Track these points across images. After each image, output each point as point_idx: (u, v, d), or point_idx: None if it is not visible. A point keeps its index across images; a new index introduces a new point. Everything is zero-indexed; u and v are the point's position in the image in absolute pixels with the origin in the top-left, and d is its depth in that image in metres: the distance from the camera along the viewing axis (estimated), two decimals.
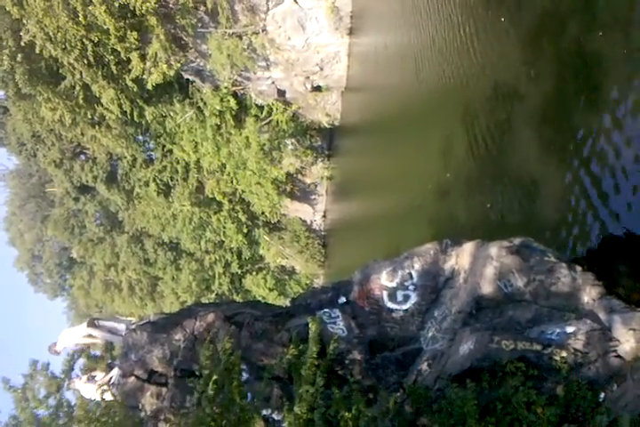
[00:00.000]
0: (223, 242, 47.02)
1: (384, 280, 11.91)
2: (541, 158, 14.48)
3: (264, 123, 37.92)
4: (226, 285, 49.49)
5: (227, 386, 8.80)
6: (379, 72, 30.71)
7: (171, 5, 30.76)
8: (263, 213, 43.57)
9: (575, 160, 12.73)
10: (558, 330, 9.19)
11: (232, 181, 42.21)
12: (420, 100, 23.56)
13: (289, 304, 13.57)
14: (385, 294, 11.82)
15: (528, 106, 14.94)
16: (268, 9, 32.40)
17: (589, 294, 9.58)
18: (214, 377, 8.68)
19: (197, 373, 10.57)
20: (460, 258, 11.51)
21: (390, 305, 11.79)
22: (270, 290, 46.89)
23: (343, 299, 12.36)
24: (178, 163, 44.20)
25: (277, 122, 37.83)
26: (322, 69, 35.22)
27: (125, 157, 44.96)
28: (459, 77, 19.18)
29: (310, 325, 10.21)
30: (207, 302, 43.60)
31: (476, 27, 17.73)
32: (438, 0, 20.66)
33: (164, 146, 43.90)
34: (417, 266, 11.78)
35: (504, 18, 15.97)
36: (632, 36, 11.14)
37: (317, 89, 36.82)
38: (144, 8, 29.01)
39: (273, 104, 37.66)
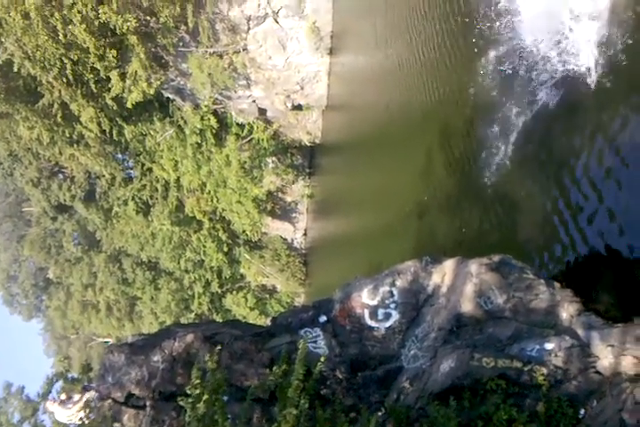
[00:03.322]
0: (203, 261, 46.63)
1: (365, 298, 11.91)
2: (520, 177, 14.65)
3: (245, 141, 37.91)
4: (206, 304, 48.96)
5: (211, 407, 8.68)
6: (359, 91, 31.00)
7: (152, 24, 30.77)
8: (244, 231, 43.33)
9: (553, 180, 12.90)
10: (538, 347, 9.22)
11: (212, 200, 42.01)
12: (400, 118, 23.77)
13: (269, 323, 13.47)
14: (366, 312, 11.83)
15: (507, 127, 15.13)
16: (249, 29, 32.59)
17: (568, 311, 9.66)
18: (205, 397, 8.59)
19: (178, 394, 10.38)
20: (441, 275, 11.56)
21: (371, 323, 11.79)
22: (251, 309, 46.48)
23: (324, 318, 12.32)
24: (157, 181, 43.91)
25: (258, 140, 37.84)
26: (302, 88, 35.40)
27: (104, 176, 44.54)
28: (437, 96, 19.42)
29: (300, 346, 10.08)
30: (186, 322, 43.04)
31: (454, 47, 18.01)
32: (415, 22, 20.96)
33: (143, 164, 43.64)
34: (398, 283, 11.81)
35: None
36: None
37: (298, 108, 36.97)
38: (125, 27, 28.98)
39: (254, 122, 37.70)
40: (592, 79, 11.85)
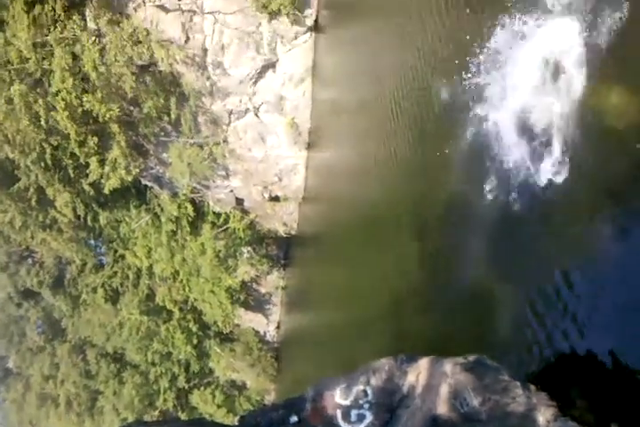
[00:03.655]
0: (171, 353, 45.01)
1: (338, 398, 11.53)
2: (494, 276, 14.58)
3: (220, 230, 37.87)
4: (171, 400, 46.68)
5: None
6: (335, 185, 31.56)
7: (134, 114, 31.55)
8: (215, 322, 42.28)
9: (528, 279, 12.87)
10: None
11: (184, 289, 41.23)
12: (376, 213, 24.06)
13: (237, 423, 12.92)
14: (339, 412, 11.42)
15: (482, 225, 15.23)
16: (230, 122, 33.56)
17: (544, 415, 9.51)
18: None
19: None
20: (416, 374, 11.22)
21: (344, 425, 11.29)
22: (218, 407, 44.51)
23: (295, 418, 11.79)
24: (129, 268, 43.18)
25: (234, 230, 37.85)
26: (280, 180, 35.97)
27: (75, 262, 43.76)
28: (411, 194, 19.76)
29: None
30: (150, 420, 40.74)
31: (424, 149, 18.62)
32: (387, 124, 21.77)
33: (116, 251, 43.08)
34: (372, 382, 11.48)
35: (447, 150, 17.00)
36: None
37: (275, 199, 37.38)
38: (108, 116, 29.65)
39: (230, 212, 37.89)
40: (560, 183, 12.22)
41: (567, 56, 12.23)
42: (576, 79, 12.07)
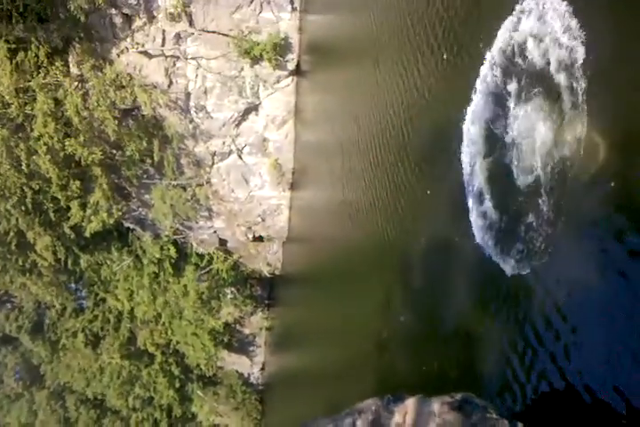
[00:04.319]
0: (153, 398, 43.88)
1: None
2: (479, 315, 14.62)
3: (204, 271, 37.64)
4: None
5: None
6: (318, 224, 31.70)
7: (117, 157, 31.69)
8: (198, 365, 41.54)
9: (513, 318, 12.92)
10: None
11: (167, 332, 40.58)
12: (359, 253, 24.17)
13: None
14: None
15: (465, 265, 15.37)
16: (213, 163, 33.84)
17: None
18: None
19: None
20: (403, 414, 11.05)
21: None
22: None
23: None
24: (110, 312, 42.45)
25: (217, 271, 37.64)
26: (264, 220, 36.09)
27: (54, 306, 42.95)
28: (392, 235, 19.96)
29: None
30: None
31: (409, 189, 18.88)
32: (368, 167, 22.16)
33: (97, 294, 42.39)
34: (358, 423, 11.23)
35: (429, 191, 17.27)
36: None
37: (259, 239, 37.40)
38: (90, 159, 29.75)
39: (214, 253, 37.73)
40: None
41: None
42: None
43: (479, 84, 14.08)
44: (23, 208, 31.47)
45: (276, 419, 40.95)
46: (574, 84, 11.03)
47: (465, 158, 14.96)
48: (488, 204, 14.14)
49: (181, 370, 42.46)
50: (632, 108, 9.82)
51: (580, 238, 11.14)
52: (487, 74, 13.83)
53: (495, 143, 13.69)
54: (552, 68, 11.61)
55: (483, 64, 13.81)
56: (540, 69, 12.05)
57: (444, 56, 15.91)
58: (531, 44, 12.30)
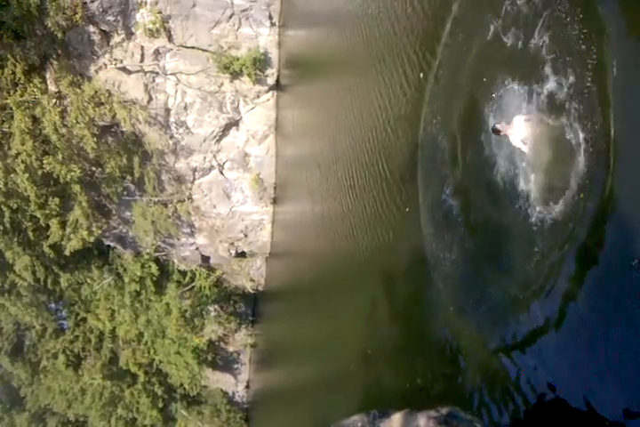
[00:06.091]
0: (136, 419, 43.10)
1: None
2: (464, 326, 14.51)
3: (186, 289, 37.21)
4: None
5: None
6: (301, 239, 31.52)
7: (96, 174, 31.36)
8: (182, 384, 40.91)
9: (498, 329, 12.83)
10: None
11: (149, 351, 39.98)
12: (343, 267, 24.00)
13: None
14: None
15: (453, 277, 15.29)
16: (194, 179, 33.61)
17: None
18: None
19: None
20: None
21: None
22: None
23: None
24: (91, 332, 41.76)
25: (200, 288, 37.22)
26: (246, 236, 35.84)
27: (34, 327, 42.18)
28: (377, 248, 19.85)
29: None
30: None
31: (392, 198, 18.82)
32: (350, 182, 22.12)
33: (77, 314, 41.72)
34: None
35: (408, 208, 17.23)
36: None
37: (242, 255, 37.09)
38: (69, 177, 29.39)
39: (196, 270, 37.35)
40: None
41: None
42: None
43: None
44: (1, 228, 30.98)
45: None
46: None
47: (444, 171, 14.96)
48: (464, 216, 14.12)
49: (165, 390, 41.81)
50: None
51: None
52: None
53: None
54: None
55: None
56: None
57: (421, 75, 16.02)
58: None
